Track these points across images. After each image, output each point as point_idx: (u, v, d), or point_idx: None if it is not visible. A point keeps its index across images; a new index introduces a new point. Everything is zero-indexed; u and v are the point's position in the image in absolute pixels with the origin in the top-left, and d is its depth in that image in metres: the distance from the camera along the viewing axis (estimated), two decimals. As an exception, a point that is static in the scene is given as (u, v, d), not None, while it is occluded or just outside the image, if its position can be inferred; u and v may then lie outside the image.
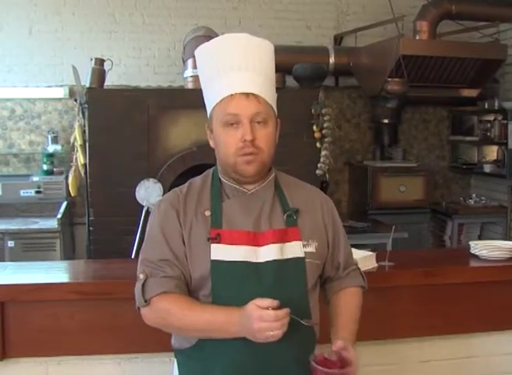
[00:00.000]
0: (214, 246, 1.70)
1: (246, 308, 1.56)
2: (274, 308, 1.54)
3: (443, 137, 6.79)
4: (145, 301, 1.70)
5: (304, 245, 1.76)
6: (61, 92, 5.84)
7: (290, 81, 5.50)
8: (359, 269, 1.96)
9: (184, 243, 1.72)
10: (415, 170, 6.10)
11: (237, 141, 1.69)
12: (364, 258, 2.36)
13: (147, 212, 4.89)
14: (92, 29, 5.88)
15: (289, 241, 1.74)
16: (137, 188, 4.91)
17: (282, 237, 1.74)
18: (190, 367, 1.77)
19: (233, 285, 1.62)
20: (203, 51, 1.79)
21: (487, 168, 6.24)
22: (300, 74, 5.38)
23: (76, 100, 5.32)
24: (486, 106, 6.23)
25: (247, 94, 1.69)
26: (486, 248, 2.60)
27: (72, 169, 5.05)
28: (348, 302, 1.87)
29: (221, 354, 1.69)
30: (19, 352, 2.25)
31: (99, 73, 5.12)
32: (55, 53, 5.83)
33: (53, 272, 2.52)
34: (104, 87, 5.16)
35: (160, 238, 1.74)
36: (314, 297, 1.81)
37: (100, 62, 5.14)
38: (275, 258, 1.71)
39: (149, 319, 1.73)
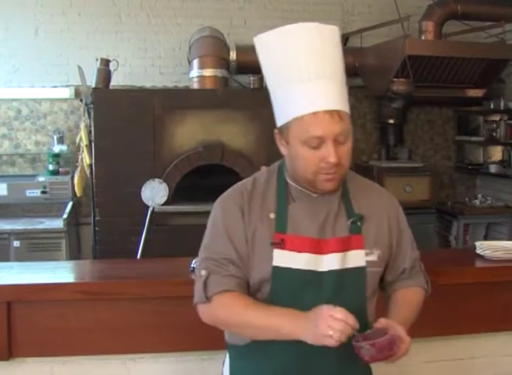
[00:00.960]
0: (277, 251, 1.66)
1: (316, 309, 1.53)
2: None
3: (449, 138, 6.77)
4: (206, 298, 1.67)
5: (366, 254, 1.71)
6: (67, 92, 5.84)
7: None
8: (423, 271, 1.90)
9: (247, 243, 1.69)
10: (421, 170, 6.06)
11: (319, 161, 1.62)
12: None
13: (153, 212, 4.90)
14: (98, 29, 5.89)
15: (352, 250, 1.70)
16: (143, 188, 4.92)
17: (345, 246, 1.69)
18: (241, 363, 1.77)
19: (293, 292, 1.59)
20: (268, 43, 1.66)
21: (493, 168, 6.22)
22: (305, 74, 5.37)
23: (81, 100, 5.34)
24: (492, 106, 6.20)
25: (331, 113, 1.59)
26: (490, 248, 2.60)
27: (78, 169, 5.07)
28: (406, 297, 1.82)
29: (272, 355, 1.68)
30: (25, 352, 2.25)
31: (105, 73, 5.13)
32: (61, 53, 5.84)
33: (59, 272, 2.52)
34: (110, 88, 5.17)
35: (224, 237, 1.70)
36: (372, 304, 1.78)
37: (105, 62, 5.15)
38: (337, 267, 1.67)
39: (206, 316, 1.71)
